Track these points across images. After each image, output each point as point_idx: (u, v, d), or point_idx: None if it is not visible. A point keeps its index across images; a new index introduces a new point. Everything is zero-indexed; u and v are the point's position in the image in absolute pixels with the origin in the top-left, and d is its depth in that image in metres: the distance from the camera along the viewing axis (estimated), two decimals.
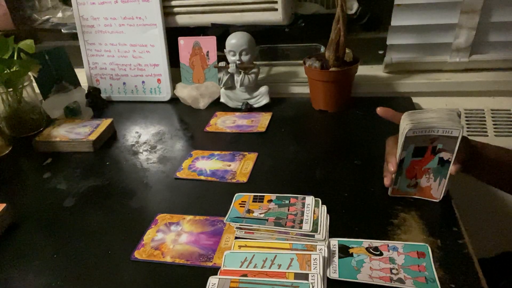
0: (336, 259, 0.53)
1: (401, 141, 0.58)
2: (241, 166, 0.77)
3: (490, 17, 0.91)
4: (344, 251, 0.54)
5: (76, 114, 1.01)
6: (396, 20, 0.96)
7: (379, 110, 0.66)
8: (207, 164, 0.79)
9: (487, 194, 0.94)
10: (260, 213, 0.60)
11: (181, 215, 0.65)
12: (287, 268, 0.51)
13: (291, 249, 0.55)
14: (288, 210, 0.61)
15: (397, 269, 0.51)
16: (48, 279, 0.56)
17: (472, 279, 0.49)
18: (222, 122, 0.95)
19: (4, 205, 0.67)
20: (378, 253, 0.54)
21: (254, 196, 0.65)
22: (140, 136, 0.93)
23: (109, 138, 0.93)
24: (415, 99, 0.99)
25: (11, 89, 0.93)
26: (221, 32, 1.05)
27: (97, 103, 1.09)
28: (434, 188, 0.61)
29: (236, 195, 0.66)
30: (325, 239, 0.56)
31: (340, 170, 0.73)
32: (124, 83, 1.13)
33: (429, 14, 0.94)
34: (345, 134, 0.88)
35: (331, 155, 0.79)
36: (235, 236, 0.59)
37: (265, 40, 1.15)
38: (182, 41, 1.06)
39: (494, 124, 0.94)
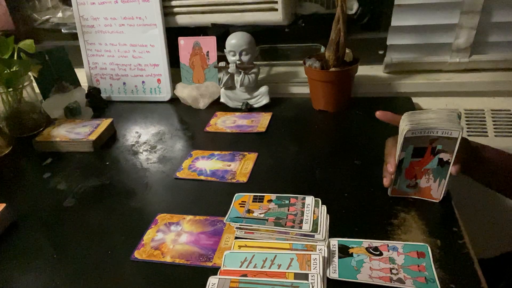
0: (336, 259, 0.53)
1: (400, 141, 0.58)
2: (241, 166, 0.77)
3: (490, 17, 0.91)
4: (344, 251, 0.54)
5: (76, 114, 1.01)
6: (396, 20, 0.96)
7: (378, 113, 0.66)
8: (207, 164, 0.79)
9: (487, 194, 0.94)
10: (260, 213, 0.61)
11: (181, 215, 0.65)
12: (287, 268, 0.51)
13: (291, 249, 0.55)
14: (288, 210, 0.61)
15: (397, 269, 0.51)
16: (48, 279, 0.56)
17: (472, 279, 0.49)
18: (222, 122, 0.95)
19: (4, 205, 0.67)
20: (378, 253, 0.54)
21: (254, 196, 0.65)
22: (140, 136, 0.93)
23: (109, 138, 0.93)
24: (415, 99, 0.99)
25: (11, 89, 0.93)
26: (221, 32, 1.05)
27: (97, 103, 1.09)
28: (434, 189, 0.61)
29: (236, 195, 0.66)
30: (325, 239, 0.56)
31: (340, 170, 0.73)
32: (124, 83, 1.13)
33: (429, 14, 0.94)
34: (345, 134, 0.88)
35: (331, 155, 0.79)
36: (235, 236, 0.59)
37: (265, 40, 1.15)
38: (182, 41, 1.06)
39: (494, 124, 0.94)
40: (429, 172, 0.60)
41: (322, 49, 1.08)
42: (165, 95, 1.10)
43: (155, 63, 1.08)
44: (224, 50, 0.98)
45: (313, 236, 0.56)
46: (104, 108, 1.10)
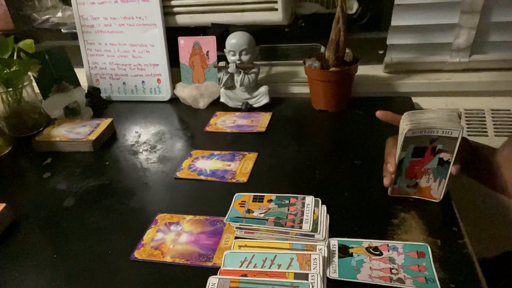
0: (336, 259, 0.53)
1: (400, 141, 0.58)
2: (241, 166, 0.77)
3: (490, 17, 0.91)
4: (344, 251, 0.54)
5: (76, 114, 1.01)
6: (396, 20, 0.96)
7: (379, 113, 0.66)
8: (207, 164, 0.79)
9: (487, 194, 0.94)
10: (260, 213, 0.60)
11: (181, 215, 0.65)
12: (287, 268, 0.51)
13: (291, 249, 0.55)
14: (288, 210, 0.61)
15: (397, 269, 0.51)
16: (48, 279, 0.56)
17: (472, 279, 0.49)
18: (222, 122, 0.95)
19: (4, 205, 0.67)
20: (378, 253, 0.54)
21: (254, 196, 0.65)
22: (140, 136, 0.93)
23: (109, 138, 0.93)
24: (415, 99, 0.99)
25: (11, 89, 0.93)
26: (221, 32, 1.05)
27: (97, 103, 1.09)
28: (434, 189, 0.61)
29: (236, 195, 0.66)
30: (325, 239, 0.56)
31: (340, 170, 0.73)
32: (124, 83, 1.13)
33: (429, 14, 0.93)
34: (345, 134, 0.88)
35: (331, 155, 0.79)
36: (235, 236, 0.59)
37: (265, 40, 1.15)
38: (182, 41, 1.06)
39: (494, 124, 0.94)
40: (429, 172, 0.60)
41: (322, 49, 1.08)
42: (165, 95, 1.10)
43: (155, 63, 1.08)
44: (224, 50, 0.98)
45: (313, 236, 0.56)
46: (104, 108, 1.10)
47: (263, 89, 0.99)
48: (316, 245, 0.55)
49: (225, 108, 1.02)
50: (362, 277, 0.50)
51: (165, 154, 0.85)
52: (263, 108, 1.00)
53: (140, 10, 1.05)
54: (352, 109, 0.95)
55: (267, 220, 0.59)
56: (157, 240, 0.60)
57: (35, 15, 1.27)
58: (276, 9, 0.99)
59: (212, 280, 0.50)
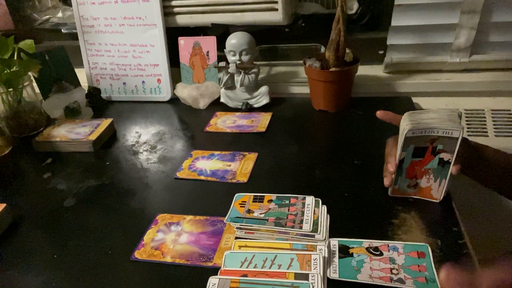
0: (336, 259, 0.53)
1: (401, 141, 0.58)
2: (241, 166, 0.77)
3: (490, 17, 0.91)
4: (344, 251, 0.54)
5: (76, 114, 1.01)
6: (396, 20, 0.96)
7: (379, 113, 0.66)
8: (207, 164, 0.79)
9: (487, 194, 0.94)
10: (260, 213, 0.61)
11: (181, 215, 0.65)
12: (287, 268, 0.51)
13: (291, 249, 0.55)
14: (288, 210, 0.61)
15: (397, 269, 0.51)
16: (48, 279, 0.56)
17: None
18: (222, 122, 0.95)
19: (4, 205, 0.67)
20: (378, 253, 0.54)
21: (254, 196, 0.65)
22: (140, 136, 0.93)
23: (109, 138, 0.93)
24: (415, 99, 0.99)
25: (11, 89, 0.93)
26: (221, 32, 1.05)
27: (97, 103, 1.09)
28: (435, 189, 0.61)
29: (236, 195, 0.66)
30: (325, 239, 0.56)
31: (340, 170, 0.73)
32: (124, 83, 1.13)
33: (429, 14, 0.94)
34: (345, 134, 0.88)
35: (331, 155, 0.79)
36: (235, 236, 0.59)
37: (265, 40, 1.15)
38: (182, 41, 1.06)
39: (494, 124, 0.94)
40: (429, 172, 0.60)
41: (322, 49, 1.08)
42: (165, 95, 1.10)
43: (155, 63, 1.08)
44: (224, 50, 0.98)
45: (313, 236, 0.56)
46: (104, 108, 1.10)
47: (263, 89, 0.99)
48: (316, 245, 0.55)
49: (225, 108, 1.02)
50: (362, 277, 0.50)
51: (165, 154, 0.85)
52: (263, 108, 1.00)
53: (140, 10, 1.05)
54: (352, 109, 0.95)
55: (267, 220, 0.59)
56: (157, 240, 0.60)
57: (35, 15, 1.27)
58: (276, 9, 0.99)
59: (213, 280, 0.50)
